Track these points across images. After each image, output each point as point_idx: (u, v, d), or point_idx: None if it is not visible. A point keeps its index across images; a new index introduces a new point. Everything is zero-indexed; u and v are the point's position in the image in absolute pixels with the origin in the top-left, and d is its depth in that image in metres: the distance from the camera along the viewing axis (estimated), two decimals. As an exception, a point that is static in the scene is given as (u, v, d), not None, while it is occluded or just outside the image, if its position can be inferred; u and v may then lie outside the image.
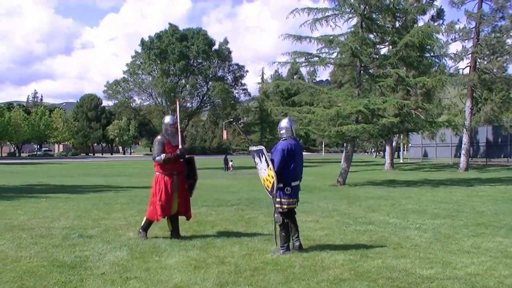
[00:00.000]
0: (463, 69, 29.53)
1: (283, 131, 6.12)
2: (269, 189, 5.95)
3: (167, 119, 7.12)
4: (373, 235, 7.18)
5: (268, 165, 5.87)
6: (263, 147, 6.11)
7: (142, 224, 6.99)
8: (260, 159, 6.01)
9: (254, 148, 6.20)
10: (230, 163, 32.90)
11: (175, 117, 7.25)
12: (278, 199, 5.89)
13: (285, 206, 5.90)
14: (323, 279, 4.80)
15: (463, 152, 28.39)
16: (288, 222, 5.96)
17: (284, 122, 6.18)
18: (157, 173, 6.84)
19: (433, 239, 6.83)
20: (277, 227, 6.04)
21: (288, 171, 5.90)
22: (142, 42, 38.49)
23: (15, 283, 4.60)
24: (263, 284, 4.63)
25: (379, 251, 6.04)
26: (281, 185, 5.85)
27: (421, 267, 5.25)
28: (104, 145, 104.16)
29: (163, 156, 6.68)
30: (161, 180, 6.72)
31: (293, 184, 5.93)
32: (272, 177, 5.81)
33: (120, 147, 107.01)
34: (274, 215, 6.01)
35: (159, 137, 6.93)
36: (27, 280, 4.69)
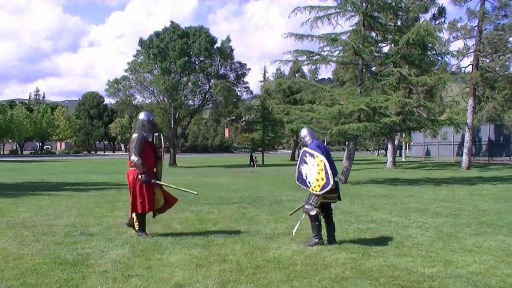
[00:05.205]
0: (466, 67, 29.51)
1: (307, 138, 6.49)
2: (323, 185, 6.06)
3: (143, 115, 6.94)
4: (375, 233, 7.19)
5: (314, 156, 6.13)
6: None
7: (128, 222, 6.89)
8: (306, 161, 6.27)
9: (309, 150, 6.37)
10: (255, 159, 34.12)
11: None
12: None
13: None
14: (324, 277, 4.80)
15: (465, 150, 28.35)
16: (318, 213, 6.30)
17: (304, 131, 6.58)
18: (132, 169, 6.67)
19: (435, 238, 6.83)
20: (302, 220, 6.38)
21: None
22: (141, 41, 38.16)
23: (17, 280, 4.61)
24: (265, 282, 4.64)
25: (381, 249, 6.05)
26: None
27: (423, 266, 5.25)
28: (106, 143, 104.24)
29: (137, 160, 6.49)
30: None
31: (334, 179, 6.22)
32: (323, 164, 6.02)
33: (122, 145, 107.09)
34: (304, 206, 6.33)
35: (135, 134, 6.73)
36: (29, 278, 4.71)
